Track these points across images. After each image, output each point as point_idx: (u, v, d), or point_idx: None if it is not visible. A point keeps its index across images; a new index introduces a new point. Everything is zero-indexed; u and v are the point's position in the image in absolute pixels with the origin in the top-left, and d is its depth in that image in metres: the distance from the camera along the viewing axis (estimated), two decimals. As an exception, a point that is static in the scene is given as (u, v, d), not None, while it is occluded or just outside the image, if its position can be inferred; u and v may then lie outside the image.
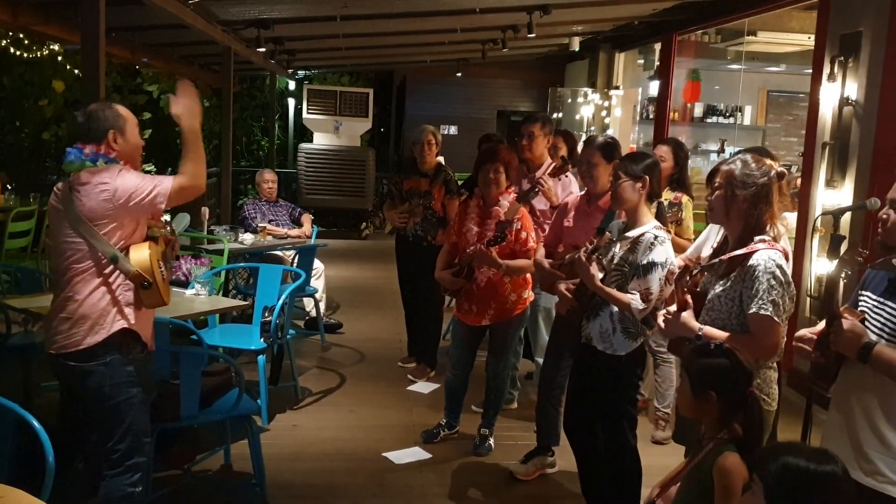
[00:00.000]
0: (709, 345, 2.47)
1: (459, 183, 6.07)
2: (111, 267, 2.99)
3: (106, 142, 3.06)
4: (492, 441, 4.62)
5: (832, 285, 2.41)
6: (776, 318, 2.63)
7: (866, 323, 2.36)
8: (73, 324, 2.98)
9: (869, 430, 2.33)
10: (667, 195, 4.58)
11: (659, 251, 3.26)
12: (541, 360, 4.70)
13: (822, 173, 5.59)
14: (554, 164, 4.96)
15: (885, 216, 2.38)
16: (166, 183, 3.03)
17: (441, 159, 6.13)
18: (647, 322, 3.34)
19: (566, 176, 4.90)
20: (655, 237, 3.29)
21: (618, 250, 3.39)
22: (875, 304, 2.37)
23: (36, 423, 2.54)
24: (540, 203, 4.83)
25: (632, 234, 3.37)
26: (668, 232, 3.43)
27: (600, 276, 3.37)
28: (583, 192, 4.14)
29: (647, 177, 3.35)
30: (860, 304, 2.44)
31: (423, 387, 5.66)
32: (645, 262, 3.26)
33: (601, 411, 3.53)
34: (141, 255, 3.03)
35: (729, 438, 2.35)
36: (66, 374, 3.06)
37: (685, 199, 4.68)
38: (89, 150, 3.05)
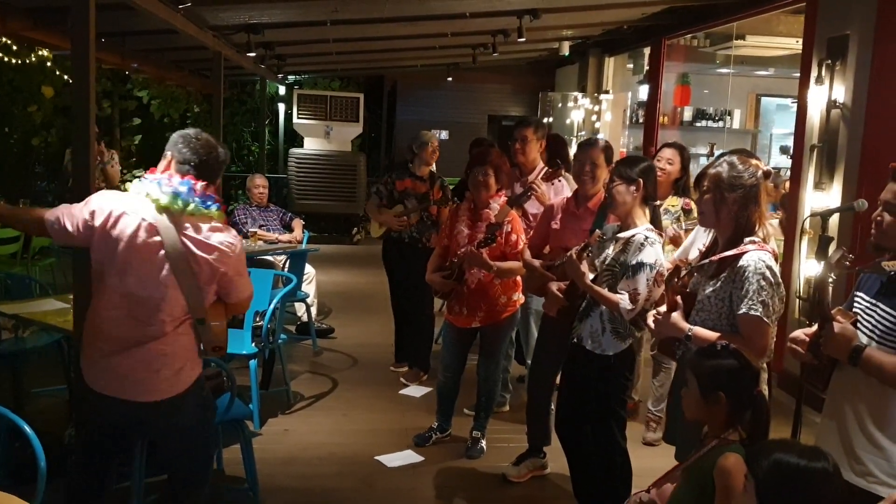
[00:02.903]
0: (715, 346, 2.49)
1: (451, 187, 6.09)
2: None
3: (215, 186, 2.87)
4: (484, 444, 4.63)
5: (821, 288, 2.43)
6: (766, 319, 2.65)
7: (859, 324, 2.37)
8: (160, 375, 2.80)
9: (860, 432, 2.34)
10: (674, 201, 4.59)
11: (648, 252, 3.29)
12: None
13: (810, 176, 5.62)
14: (547, 169, 4.98)
15: (879, 218, 2.38)
16: (250, 288, 2.99)
17: (433, 167, 6.16)
18: (636, 323, 3.36)
19: (559, 180, 4.92)
20: (646, 238, 3.32)
21: (610, 251, 3.42)
22: (868, 305, 2.39)
23: (28, 429, 2.54)
24: (533, 207, 4.85)
25: (624, 235, 3.40)
26: (661, 235, 3.45)
27: (591, 275, 3.40)
28: (570, 195, 4.17)
29: (642, 180, 3.38)
30: (855, 305, 2.45)
31: (415, 390, 5.67)
32: (634, 262, 3.29)
33: (590, 411, 3.55)
34: (221, 324, 2.91)
35: (734, 438, 2.36)
36: (135, 412, 2.83)
37: (694, 204, 4.69)
38: (200, 189, 2.79)
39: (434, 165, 6.19)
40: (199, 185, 2.80)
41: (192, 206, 2.76)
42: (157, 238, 2.73)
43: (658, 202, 4.55)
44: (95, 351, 2.82)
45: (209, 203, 2.81)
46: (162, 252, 2.73)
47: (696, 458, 2.42)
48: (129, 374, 2.78)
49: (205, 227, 2.80)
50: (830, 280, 2.42)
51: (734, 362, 2.39)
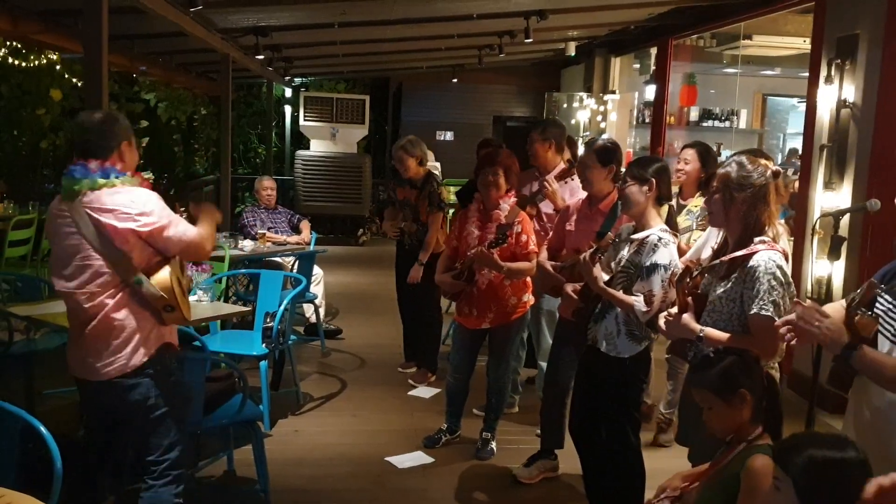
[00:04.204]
0: (707, 356, 2.49)
1: (457, 189, 6.08)
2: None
3: (118, 153, 2.97)
4: (494, 445, 4.63)
5: (859, 307, 2.37)
6: (777, 319, 2.64)
7: (880, 326, 2.33)
8: (113, 349, 2.92)
9: (882, 443, 2.32)
10: (697, 201, 4.58)
11: (662, 253, 3.28)
12: (544, 364, 4.72)
13: (820, 175, 5.61)
14: (562, 170, 4.97)
15: None
16: (190, 233, 3.02)
17: (438, 165, 6.14)
18: (651, 325, 3.35)
19: (573, 179, 4.91)
20: (660, 239, 3.30)
21: (625, 253, 3.40)
22: (891, 306, 2.35)
23: (44, 430, 2.55)
24: (548, 207, 4.84)
25: (638, 236, 3.39)
26: (675, 236, 3.44)
27: (605, 277, 3.39)
28: (585, 196, 4.16)
29: (655, 180, 3.36)
30: (878, 304, 2.40)
31: (423, 391, 5.67)
32: (648, 263, 3.28)
33: (605, 413, 3.54)
34: (162, 276, 2.98)
35: (762, 442, 2.35)
36: (105, 393, 2.98)
37: None
38: (95, 166, 2.92)
39: (439, 165, 6.18)
40: (93, 163, 2.92)
41: (86, 182, 2.89)
42: (68, 217, 2.90)
43: (683, 203, 4.57)
44: (70, 338, 3.05)
45: (109, 173, 2.92)
46: (74, 228, 2.89)
47: (722, 465, 2.41)
48: (86, 354, 2.95)
49: (105, 193, 2.90)
50: (860, 313, 2.36)
51: (735, 357, 2.40)
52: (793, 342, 2.40)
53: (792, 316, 2.33)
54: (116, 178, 2.93)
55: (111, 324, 2.91)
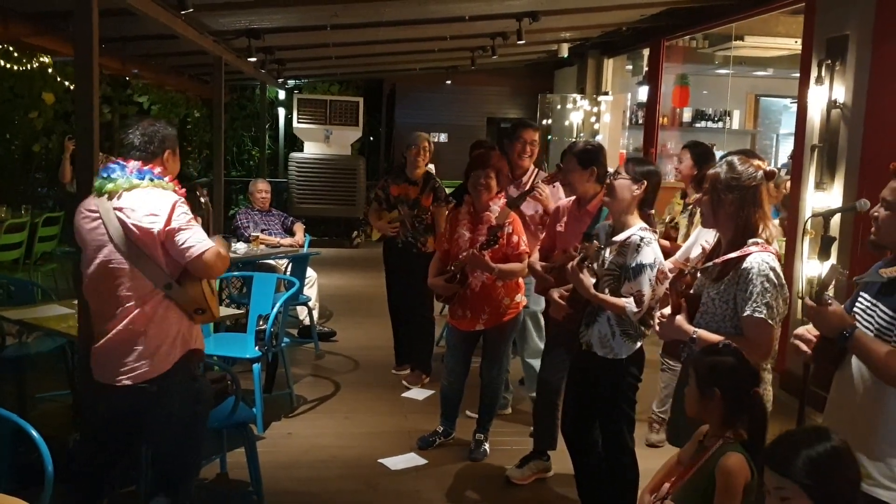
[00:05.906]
0: (717, 344, 2.51)
1: (449, 191, 6.08)
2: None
3: (161, 159, 2.99)
4: (487, 446, 4.64)
5: (822, 291, 2.41)
6: (770, 321, 2.66)
7: (859, 323, 2.37)
8: (139, 355, 2.88)
9: (858, 436, 2.34)
10: (696, 197, 4.60)
11: (646, 252, 3.29)
12: (531, 362, 4.83)
13: (811, 176, 5.63)
14: (550, 173, 4.98)
15: (876, 214, 2.40)
16: (207, 244, 2.92)
17: (431, 167, 6.14)
18: (644, 322, 3.36)
19: (555, 186, 4.92)
20: (642, 239, 3.32)
21: (608, 255, 3.41)
22: (869, 304, 2.39)
23: (35, 433, 2.55)
24: (528, 208, 4.85)
25: (619, 237, 3.40)
26: (655, 233, 3.47)
27: (592, 282, 3.39)
28: (574, 198, 4.18)
29: (646, 182, 3.38)
30: (856, 304, 2.45)
31: (417, 393, 5.67)
32: (634, 264, 3.29)
33: (600, 414, 3.55)
34: (197, 287, 2.95)
35: (734, 439, 2.37)
36: (127, 401, 2.94)
37: None
38: (134, 167, 2.92)
39: (433, 167, 6.19)
40: (133, 163, 2.93)
41: (122, 181, 2.89)
42: (98, 219, 2.89)
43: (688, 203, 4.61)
44: (95, 341, 2.99)
45: (145, 175, 2.93)
46: (102, 230, 2.88)
47: (700, 465, 2.43)
48: (111, 357, 2.91)
49: (135, 193, 2.89)
50: (828, 299, 2.40)
51: (732, 360, 2.43)
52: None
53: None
54: (151, 179, 2.92)
55: (138, 329, 2.87)
